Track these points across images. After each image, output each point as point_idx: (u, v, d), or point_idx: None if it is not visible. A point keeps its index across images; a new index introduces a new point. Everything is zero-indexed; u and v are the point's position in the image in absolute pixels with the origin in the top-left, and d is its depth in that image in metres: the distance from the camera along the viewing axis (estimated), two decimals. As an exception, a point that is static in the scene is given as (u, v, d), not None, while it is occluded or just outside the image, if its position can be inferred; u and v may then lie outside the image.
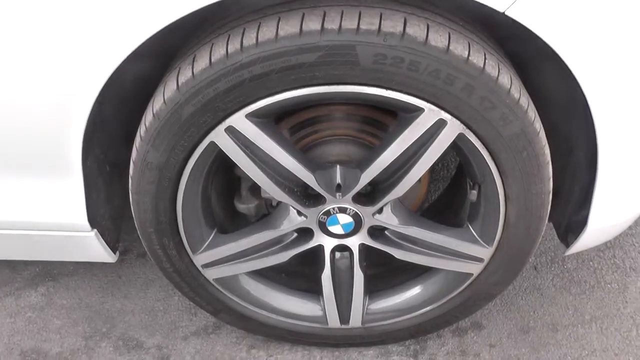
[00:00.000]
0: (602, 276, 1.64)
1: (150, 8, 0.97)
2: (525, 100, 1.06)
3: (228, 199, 1.39)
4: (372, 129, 1.29)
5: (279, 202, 1.30)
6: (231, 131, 1.08)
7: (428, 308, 1.38)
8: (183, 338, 1.56)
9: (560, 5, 0.96)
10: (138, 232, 1.27)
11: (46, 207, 1.23)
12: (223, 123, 1.07)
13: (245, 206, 1.35)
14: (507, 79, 1.03)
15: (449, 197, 1.58)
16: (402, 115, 1.09)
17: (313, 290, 1.41)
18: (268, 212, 1.38)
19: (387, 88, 1.01)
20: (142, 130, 1.12)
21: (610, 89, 1.06)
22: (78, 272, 1.76)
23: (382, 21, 0.97)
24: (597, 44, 1.01)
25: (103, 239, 1.32)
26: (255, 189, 1.35)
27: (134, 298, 1.68)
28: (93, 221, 1.28)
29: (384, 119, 1.28)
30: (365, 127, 1.29)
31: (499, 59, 1.05)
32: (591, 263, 1.68)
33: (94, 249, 1.33)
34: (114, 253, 1.38)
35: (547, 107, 1.18)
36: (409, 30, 0.97)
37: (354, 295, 1.34)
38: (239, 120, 1.06)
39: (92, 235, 1.29)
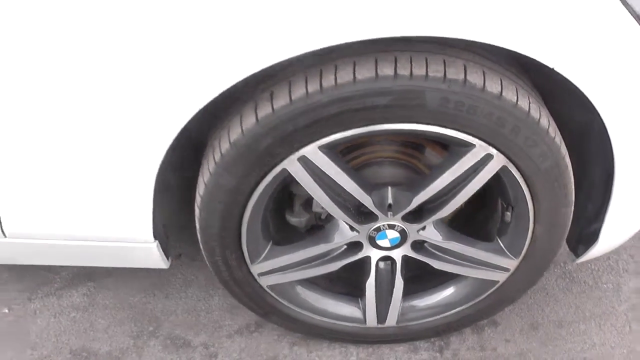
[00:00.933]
0: (599, 277, 1.85)
1: (227, 65, 1.05)
2: (559, 139, 1.23)
3: (279, 211, 1.52)
4: (412, 150, 1.44)
5: (327, 216, 1.43)
6: (303, 160, 1.20)
7: (456, 310, 1.55)
8: (228, 336, 1.68)
9: (599, 63, 1.11)
10: (200, 244, 1.38)
11: (120, 222, 1.32)
12: (296, 153, 1.19)
13: (298, 219, 1.48)
14: (546, 120, 1.19)
15: (475, 211, 1.74)
16: (455, 148, 1.23)
17: (352, 293, 1.56)
18: (317, 224, 1.51)
19: (447, 127, 1.15)
20: (217, 156, 1.22)
21: (630, 122, 1.20)
22: (116, 273, 1.83)
23: (447, 68, 1.11)
24: (620, 84, 1.15)
25: (161, 247, 1.43)
26: (306, 203, 1.47)
27: (175, 298, 1.78)
28: (155, 233, 1.38)
29: (421, 141, 1.42)
30: (406, 149, 1.43)
31: (539, 103, 1.20)
32: (589, 265, 1.88)
33: (154, 257, 1.44)
34: (167, 259, 1.49)
35: (563, 133, 1.33)
36: (469, 77, 1.11)
37: (392, 300, 1.50)
38: (312, 151, 1.18)
39: (154, 246, 1.40)
